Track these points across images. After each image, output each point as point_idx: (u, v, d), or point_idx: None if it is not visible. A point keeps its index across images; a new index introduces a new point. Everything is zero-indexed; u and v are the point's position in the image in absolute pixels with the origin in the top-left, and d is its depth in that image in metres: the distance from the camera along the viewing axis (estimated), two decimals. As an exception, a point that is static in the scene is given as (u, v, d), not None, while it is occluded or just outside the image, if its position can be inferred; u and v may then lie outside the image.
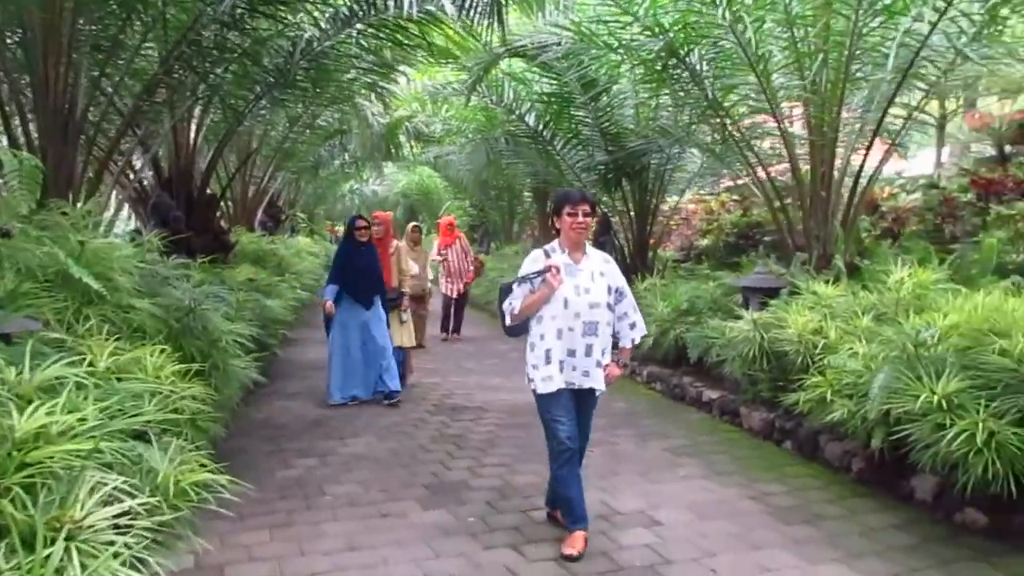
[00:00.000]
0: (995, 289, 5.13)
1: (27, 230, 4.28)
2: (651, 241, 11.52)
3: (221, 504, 2.83)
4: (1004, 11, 6.56)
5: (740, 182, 11.78)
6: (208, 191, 9.88)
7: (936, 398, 3.86)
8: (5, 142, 6.24)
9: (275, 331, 7.90)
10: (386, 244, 7.49)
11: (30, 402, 2.34)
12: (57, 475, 2.14)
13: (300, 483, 4.82)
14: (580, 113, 10.65)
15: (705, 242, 13.10)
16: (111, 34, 6.67)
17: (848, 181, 7.84)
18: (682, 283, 8.80)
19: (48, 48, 5.97)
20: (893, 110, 7.51)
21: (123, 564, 1.97)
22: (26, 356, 2.60)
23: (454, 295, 11.23)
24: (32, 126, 6.44)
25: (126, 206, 9.64)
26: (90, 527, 1.97)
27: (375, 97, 11.67)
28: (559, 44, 8.99)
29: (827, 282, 6.22)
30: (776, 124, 7.67)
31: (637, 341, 4.15)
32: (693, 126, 9.22)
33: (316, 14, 8.10)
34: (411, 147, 18.29)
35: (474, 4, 7.22)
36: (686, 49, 7.51)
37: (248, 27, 7.46)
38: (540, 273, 3.74)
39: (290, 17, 7.91)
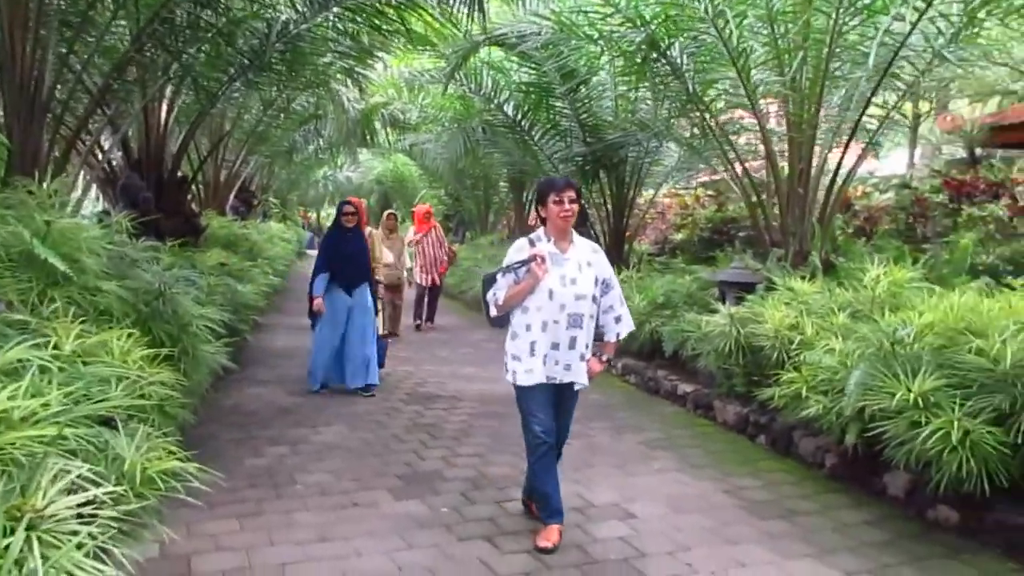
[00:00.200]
0: (968, 289, 5.18)
1: (-10, 208, 4.14)
2: (627, 234, 11.53)
3: (189, 493, 2.74)
4: (981, 14, 6.62)
5: (717, 177, 11.84)
6: (179, 173, 9.70)
7: (912, 396, 3.87)
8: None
9: (246, 316, 7.77)
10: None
11: (-9, 385, 2.24)
12: (18, 462, 2.05)
13: (270, 472, 4.73)
14: (559, 104, 10.62)
15: (680, 236, 13.16)
16: (80, 9, 6.49)
17: (825, 179, 7.88)
18: (658, 276, 8.82)
19: (14, 23, 5.78)
20: (870, 110, 7.55)
21: (87, 555, 1.88)
22: (-13, 337, 2.50)
23: (428, 284, 11.15)
24: (-4, 103, 6.25)
25: (94, 187, 9.42)
26: (52, 516, 1.89)
27: (351, 82, 11.50)
28: (539, 34, 8.93)
29: (803, 278, 6.24)
30: (755, 120, 7.69)
31: (623, 336, 4.00)
32: (672, 120, 9.22)
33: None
34: (387, 134, 18.13)
35: (454, -10, 7.14)
36: (667, 42, 7.49)
37: (222, 6, 7.29)
38: (525, 263, 3.64)
39: (266, -3, 7.77)
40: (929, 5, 6.32)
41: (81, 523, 1.99)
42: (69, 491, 2.01)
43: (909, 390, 3.90)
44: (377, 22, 8.10)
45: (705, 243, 11.75)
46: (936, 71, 7.48)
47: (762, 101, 7.93)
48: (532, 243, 3.71)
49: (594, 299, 3.78)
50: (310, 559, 3.51)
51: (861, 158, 8.14)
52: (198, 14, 7.19)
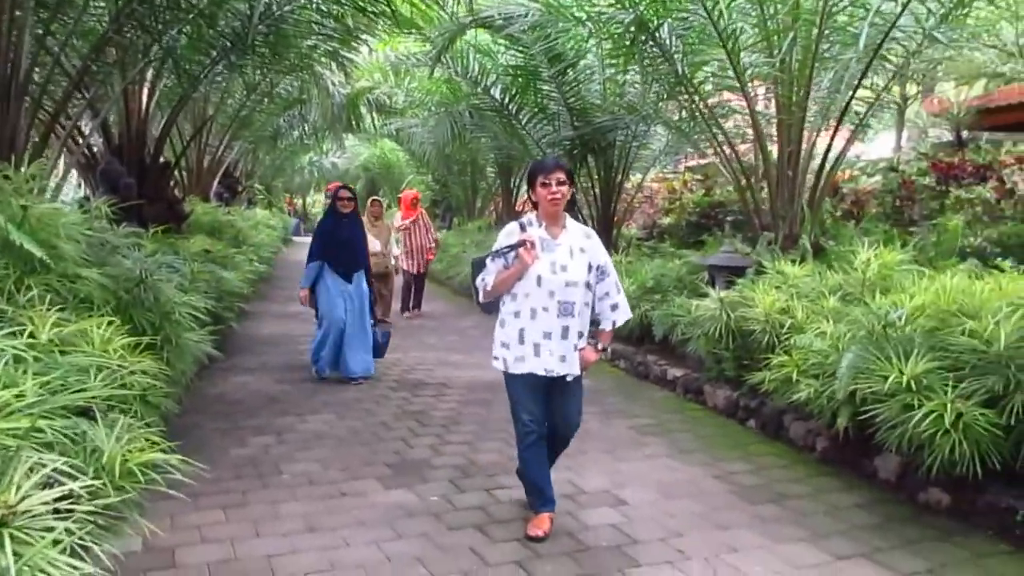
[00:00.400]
0: (957, 271, 5.16)
1: (-36, 194, 4.02)
2: (615, 219, 11.47)
3: (172, 484, 2.67)
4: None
5: (705, 161, 11.79)
6: (161, 159, 9.54)
7: (904, 378, 3.84)
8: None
9: (232, 304, 7.66)
10: None
11: (-38, 376, 2.16)
12: (-9, 455, 1.98)
13: (256, 461, 4.67)
14: (547, 87, 10.51)
15: (668, 221, 13.12)
16: (57, -11, 6.33)
17: (814, 162, 7.85)
18: (647, 261, 8.77)
19: (-11, 4, 5.63)
20: (859, 92, 7.51)
21: (62, 551, 1.81)
22: (-41, 327, 2.41)
23: (415, 272, 11.06)
24: (-29, 85, 6.09)
25: (75, 173, 9.27)
26: (26, 512, 1.81)
27: (336, 66, 11.35)
28: (526, 16, 8.81)
29: (793, 262, 6.21)
30: (745, 102, 7.63)
31: (619, 324, 3.84)
32: (660, 103, 9.15)
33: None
34: (373, 119, 17.94)
35: (440, -30, 7.01)
36: (656, 23, 7.40)
37: (203, -14, 7.14)
38: (513, 247, 3.53)
39: (248, -22, 7.60)
40: (920, -15, 6.28)
41: (58, 519, 1.92)
42: (44, 485, 1.94)
43: (901, 373, 3.88)
44: (362, 3, 7.95)
45: (693, 227, 11.70)
46: (926, 52, 7.44)
47: (751, 84, 7.87)
48: (523, 228, 3.60)
49: (589, 286, 3.65)
50: (297, 550, 3.46)
51: (850, 141, 8.10)
52: (178, -7, 7.03)
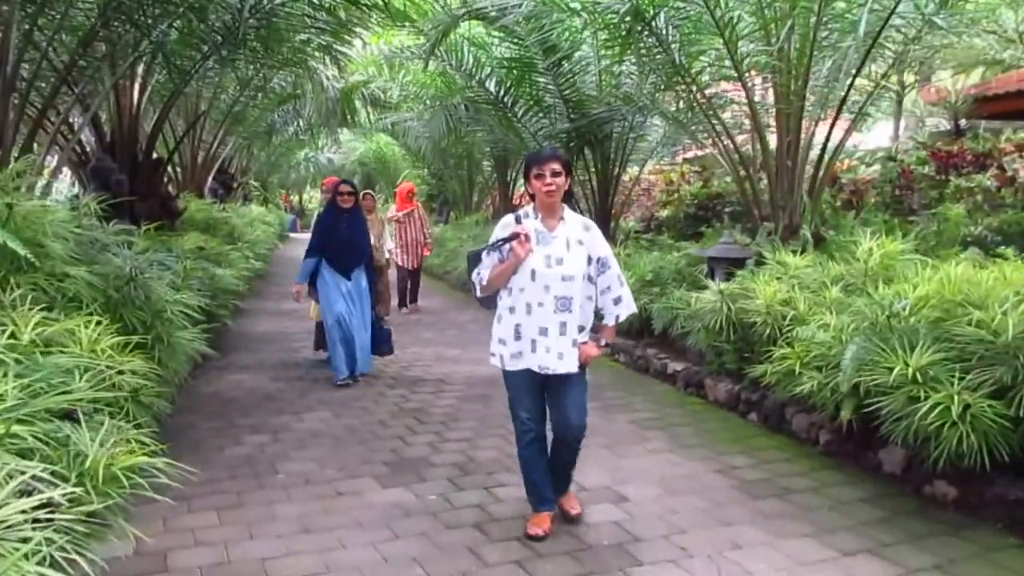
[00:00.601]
0: (960, 261, 5.09)
1: (-52, 191, 3.93)
2: (613, 211, 11.39)
3: (160, 488, 2.60)
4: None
5: (702, 153, 11.70)
6: (154, 155, 9.44)
7: (910, 370, 3.77)
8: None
9: (226, 302, 7.58)
10: None
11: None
12: (-34, 463, 1.89)
13: (251, 461, 4.59)
14: (542, 79, 10.42)
15: (665, 213, 13.05)
16: (43, -17, 6.22)
17: (814, 152, 7.76)
18: (645, 253, 8.69)
19: (-27, -2, 5.54)
20: (858, 81, 7.42)
21: (42, 561, 1.73)
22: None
23: (411, 267, 10.97)
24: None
25: (66, 170, 9.17)
26: (2, 522, 1.73)
27: (329, 60, 11.22)
28: (520, 7, 8.72)
29: (794, 252, 6.13)
30: (743, 92, 7.54)
31: (622, 318, 3.71)
32: (658, 94, 9.05)
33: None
34: (368, 114, 17.81)
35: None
36: (652, 12, 7.29)
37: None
38: (508, 240, 3.43)
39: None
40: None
41: (37, 527, 1.84)
42: (22, 493, 1.86)
43: (907, 364, 3.81)
44: (354, -5, 7.86)
45: (691, 219, 11.62)
46: (925, 39, 7.34)
47: (749, 73, 7.78)
48: (518, 220, 3.50)
49: (590, 279, 3.54)
50: (292, 552, 3.38)
51: (849, 130, 8.01)
52: (166, -14, 6.93)
